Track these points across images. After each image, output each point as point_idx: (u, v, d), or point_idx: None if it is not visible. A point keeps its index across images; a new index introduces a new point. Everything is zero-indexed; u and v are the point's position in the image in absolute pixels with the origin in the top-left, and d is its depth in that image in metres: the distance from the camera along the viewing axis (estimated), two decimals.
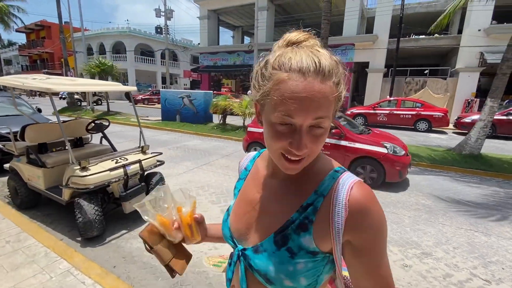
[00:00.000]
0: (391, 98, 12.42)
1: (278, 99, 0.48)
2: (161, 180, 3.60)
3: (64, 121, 3.89)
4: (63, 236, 2.98)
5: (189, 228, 0.71)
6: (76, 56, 17.28)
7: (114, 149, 3.85)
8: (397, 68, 14.07)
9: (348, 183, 0.54)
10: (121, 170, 3.06)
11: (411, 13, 17.69)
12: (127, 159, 3.27)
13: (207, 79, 22.16)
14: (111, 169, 3.00)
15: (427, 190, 4.76)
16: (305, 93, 0.46)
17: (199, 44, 33.24)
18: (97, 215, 2.81)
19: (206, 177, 5.08)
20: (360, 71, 17.01)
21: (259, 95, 0.53)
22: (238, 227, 0.67)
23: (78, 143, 4.05)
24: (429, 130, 10.84)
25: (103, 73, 12.57)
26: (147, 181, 3.44)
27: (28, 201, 3.51)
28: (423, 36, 16.58)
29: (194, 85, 32.30)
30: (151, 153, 3.65)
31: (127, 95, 3.89)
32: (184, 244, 0.76)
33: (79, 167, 2.82)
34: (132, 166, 3.20)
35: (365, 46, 15.16)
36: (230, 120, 10.71)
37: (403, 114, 11.12)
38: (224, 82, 24.28)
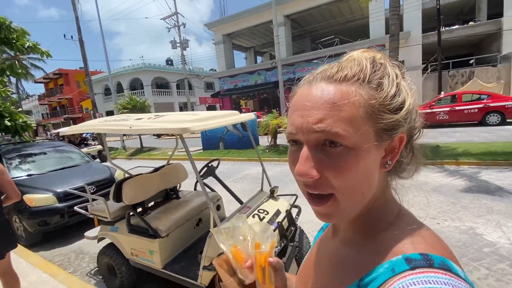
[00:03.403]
0: (442, 95, 11.33)
1: (288, 115, 0.43)
2: (302, 233, 2.65)
3: (156, 169, 3.09)
4: None
5: (262, 272, 0.57)
6: (95, 98, 17.23)
7: (237, 199, 2.94)
8: (435, 62, 13.11)
9: None
10: (276, 231, 2.14)
11: (431, 6, 16.98)
12: (267, 212, 2.35)
13: (229, 103, 21.74)
14: None
15: None
16: (305, 100, 0.39)
17: (211, 70, 33.56)
18: None
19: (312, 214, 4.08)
20: None
21: None
22: (298, 284, 0.59)
23: (173, 193, 3.20)
24: (502, 123, 9.59)
25: (134, 109, 12.14)
26: (292, 237, 2.49)
27: (129, 283, 2.61)
28: (457, 26, 15.69)
29: (210, 110, 32.12)
30: (278, 196, 2.73)
31: (243, 125, 3.15)
32: None
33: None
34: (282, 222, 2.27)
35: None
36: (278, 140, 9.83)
37: (467, 109, 9.96)
38: (242, 104, 23.78)
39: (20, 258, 3.38)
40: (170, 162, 3.35)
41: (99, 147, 11.58)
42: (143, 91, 26.73)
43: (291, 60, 17.88)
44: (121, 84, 27.87)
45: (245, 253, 0.60)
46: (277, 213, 2.41)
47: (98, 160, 10.17)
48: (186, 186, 3.65)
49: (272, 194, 2.65)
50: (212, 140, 10.44)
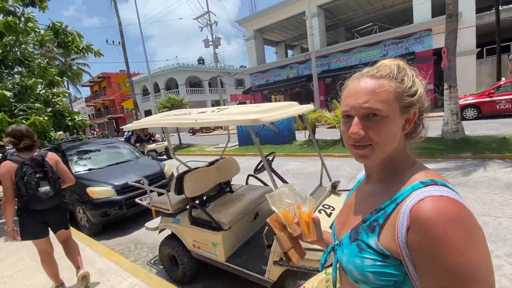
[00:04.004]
0: (502, 81, 10.04)
1: (342, 100, 0.66)
2: None
3: (211, 163, 3.10)
4: None
5: (307, 226, 0.79)
6: (134, 99, 18.25)
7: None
8: (493, 45, 11.67)
9: (423, 195, 0.52)
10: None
11: None
12: (333, 208, 2.21)
13: (260, 98, 21.69)
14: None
15: None
16: (356, 89, 0.62)
17: (241, 67, 33.78)
18: None
19: None
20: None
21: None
22: (337, 226, 0.78)
23: (226, 187, 3.20)
24: None
25: (173, 107, 12.61)
26: None
27: (190, 274, 2.65)
28: None
29: None
30: (339, 191, 2.57)
31: (301, 117, 3.18)
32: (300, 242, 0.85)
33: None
34: None
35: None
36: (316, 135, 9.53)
37: None
38: (272, 99, 23.59)
39: (86, 247, 3.64)
40: (223, 156, 3.34)
41: (166, 143, 11.84)
42: (178, 90, 27.76)
43: (325, 51, 17.23)
44: (157, 85, 29.23)
45: (291, 213, 0.80)
46: None
47: (165, 156, 10.14)
48: (236, 180, 3.64)
49: (334, 189, 2.50)
50: (248, 136, 10.44)
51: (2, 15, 4.81)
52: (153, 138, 11.57)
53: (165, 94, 14.49)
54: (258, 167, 2.79)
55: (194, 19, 21.22)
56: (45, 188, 2.28)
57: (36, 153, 2.38)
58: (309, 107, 2.55)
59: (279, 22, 19.73)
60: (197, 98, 29.51)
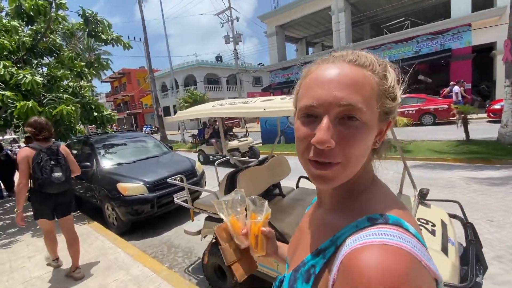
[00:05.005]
0: None
1: (304, 90, 0.46)
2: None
3: (261, 161, 2.71)
4: None
5: (255, 239, 0.69)
6: (152, 94, 18.22)
7: None
8: None
9: (362, 241, 0.38)
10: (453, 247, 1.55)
11: None
12: (433, 223, 1.76)
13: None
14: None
15: None
16: (330, 76, 0.42)
17: (259, 64, 33.36)
18: None
19: None
20: (480, 58, 13.53)
21: (293, 102, 0.52)
22: (288, 251, 0.66)
23: (274, 190, 2.81)
24: None
25: (195, 103, 12.40)
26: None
27: None
28: None
29: None
30: (427, 201, 2.11)
31: None
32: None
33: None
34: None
35: (487, 24, 12.07)
36: None
37: None
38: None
39: (117, 248, 3.36)
40: (273, 154, 2.95)
41: (250, 139, 8.21)
42: (196, 87, 27.69)
43: (351, 48, 16.48)
44: (176, 81, 29.33)
45: (241, 223, 0.73)
46: (443, 225, 1.80)
47: (241, 156, 7.29)
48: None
49: (423, 199, 2.04)
50: (272, 134, 10.03)
51: None
52: (230, 133, 8.18)
53: (187, 90, 14.31)
54: None
55: (215, 15, 21.00)
56: (58, 174, 2.54)
57: (51, 144, 2.62)
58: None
59: (303, 18, 19.17)
60: (215, 95, 29.31)
